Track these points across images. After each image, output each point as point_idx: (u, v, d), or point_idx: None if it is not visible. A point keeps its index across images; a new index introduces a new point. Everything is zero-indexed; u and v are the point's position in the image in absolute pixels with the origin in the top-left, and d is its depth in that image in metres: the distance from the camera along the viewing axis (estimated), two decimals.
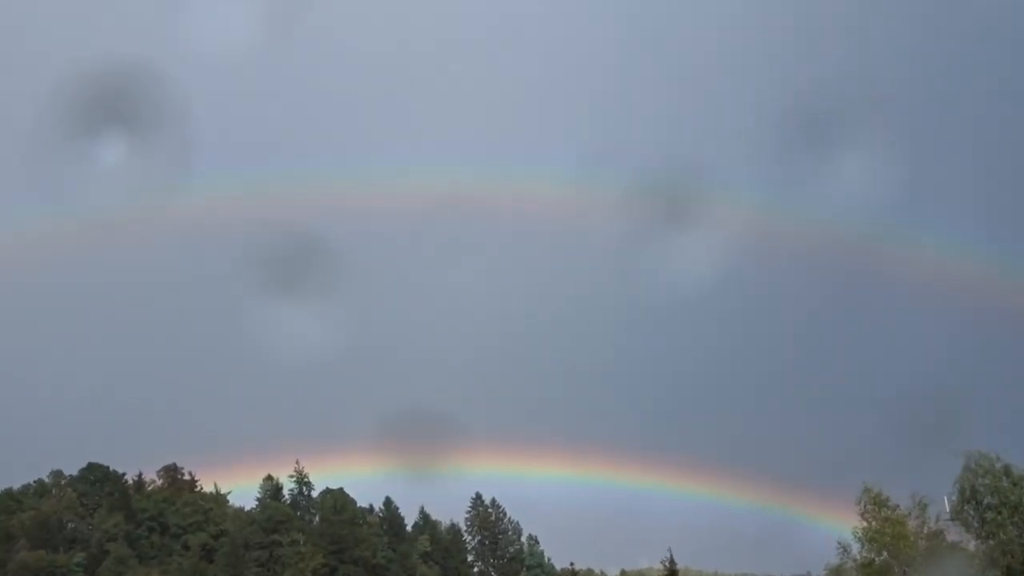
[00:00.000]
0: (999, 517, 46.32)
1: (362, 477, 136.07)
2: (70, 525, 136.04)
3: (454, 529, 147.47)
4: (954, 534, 47.68)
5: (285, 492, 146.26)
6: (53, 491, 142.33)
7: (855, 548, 45.70)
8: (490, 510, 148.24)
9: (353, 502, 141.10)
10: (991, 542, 46.20)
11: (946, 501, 47.92)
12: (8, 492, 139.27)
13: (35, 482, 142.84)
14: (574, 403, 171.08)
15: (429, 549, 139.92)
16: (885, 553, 44.08)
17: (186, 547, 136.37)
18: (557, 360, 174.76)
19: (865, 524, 45.06)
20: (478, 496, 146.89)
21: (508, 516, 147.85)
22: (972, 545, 47.09)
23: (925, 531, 45.42)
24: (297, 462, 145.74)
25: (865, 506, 45.13)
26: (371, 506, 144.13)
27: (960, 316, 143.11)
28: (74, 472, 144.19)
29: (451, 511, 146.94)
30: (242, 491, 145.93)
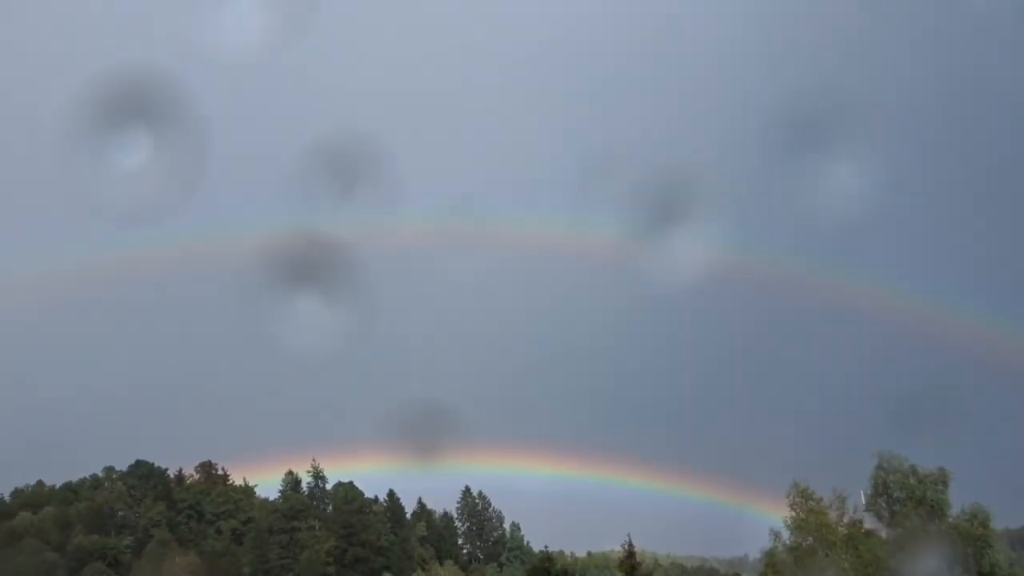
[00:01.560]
0: (906, 509, 46.40)
1: (368, 472, 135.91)
2: (120, 513, 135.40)
3: (447, 517, 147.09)
4: (869, 523, 47.57)
5: (303, 485, 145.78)
6: (105, 484, 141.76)
7: (785, 534, 45.60)
8: (477, 501, 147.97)
9: (361, 493, 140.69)
10: (899, 530, 46.22)
11: (862, 495, 47.86)
12: (67, 485, 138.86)
13: (90, 476, 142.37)
14: (551, 412, 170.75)
15: (425, 534, 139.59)
16: (811, 538, 43.98)
17: (219, 532, 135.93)
18: (536, 377, 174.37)
19: (793, 514, 44.94)
20: (467, 489, 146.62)
21: (493, 506, 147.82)
22: (884, 532, 47.02)
23: (845, 520, 45.30)
24: (313, 459, 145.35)
25: (793, 499, 45.04)
26: (376, 497, 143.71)
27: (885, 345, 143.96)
28: (124, 468, 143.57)
29: (444, 502, 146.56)
30: (267, 484, 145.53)
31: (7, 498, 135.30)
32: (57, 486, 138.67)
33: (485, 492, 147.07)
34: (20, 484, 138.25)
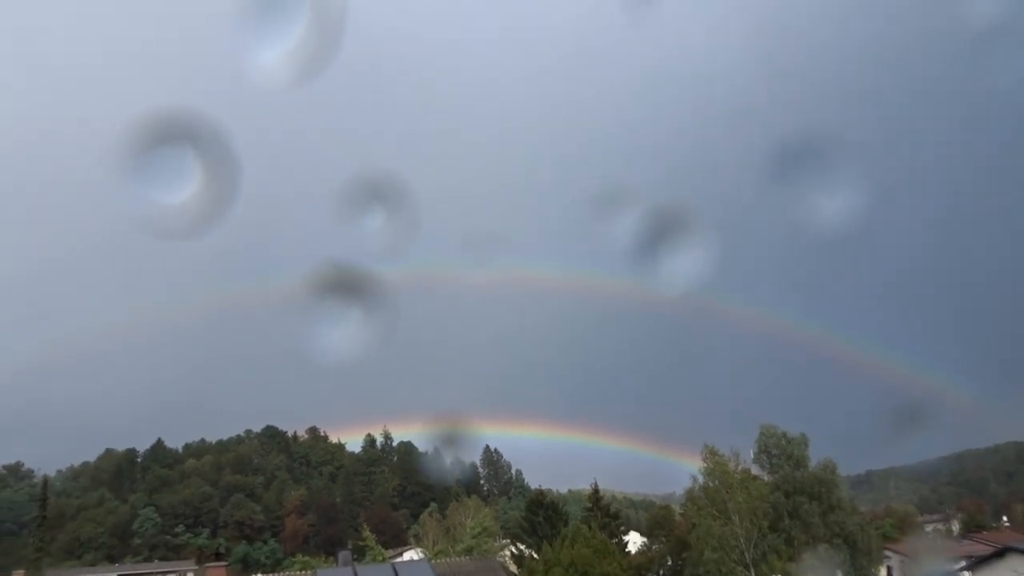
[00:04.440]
0: (780, 461, 46.46)
1: (421, 435, 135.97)
2: (255, 461, 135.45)
3: (473, 465, 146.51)
4: (756, 471, 47.63)
5: (377, 443, 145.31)
6: (246, 441, 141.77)
7: (700, 479, 45.53)
8: (494, 455, 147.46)
9: (416, 449, 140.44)
10: (776, 476, 46.20)
11: (751, 452, 47.89)
12: (220, 442, 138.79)
13: (236, 436, 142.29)
14: (545, 396, 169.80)
15: (459, 476, 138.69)
16: (717, 481, 43.85)
17: (320, 474, 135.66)
18: (533, 373, 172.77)
19: (705, 465, 44.91)
20: (487, 446, 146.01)
21: (504, 458, 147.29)
22: (766, 477, 46.98)
23: (739, 469, 45.18)
24: (384, 426, 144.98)
25: (705, 454, 44.98)
26: (426, 451, 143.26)
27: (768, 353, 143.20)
28: (258, 430, 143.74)
29: (472, 455, 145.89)
30: (353, 442, 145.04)
31: (180, 449, 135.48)
32: (213, 441, 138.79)
33: (499, 449, 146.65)
34: (189, 440, 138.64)
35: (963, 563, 45.11)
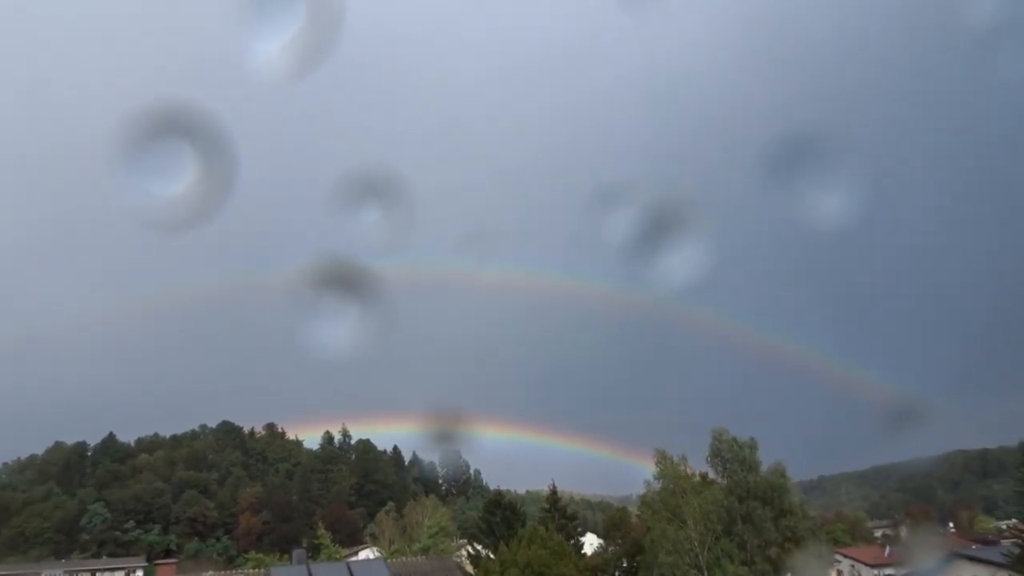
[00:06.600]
0: (732, 466, 47.17)
1: (380, 433, 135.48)
2: (210, 456, 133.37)
3: (432, 464, 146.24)
4: (711, 475, 48.30)
5: (335, 441, 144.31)
6: (201, 436, 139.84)
7: (654, 482, 45.97)
8: (453, 454, 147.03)
9: (375, 447, 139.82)
10: (728, 480, 46.88)
11: (705, 456, 48.48)
12: (174, 437, 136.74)
13: (191, 430, 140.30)
14: (505, 397, 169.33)
15: (417, 475, 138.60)
16: (671, 485, 44.34)
17: (277, 471, 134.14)
18: (494, 375, 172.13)
19: (658, 469, 45.38)
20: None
21: (463, 458, 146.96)
22: (720, 480, 47.60)
23: (695, 473, 45.84)
24: (343, 423, 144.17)
25: (658, 459, 45.46)
26: (385, 450, 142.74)
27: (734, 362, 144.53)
28: (213, 425, 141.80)
29: (429, 454, 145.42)
30: (311, 439, 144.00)
31: (132, 443, 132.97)
32: (167, 436, 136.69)
33: (458, 448, 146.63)
34: (142, 434, 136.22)
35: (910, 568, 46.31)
